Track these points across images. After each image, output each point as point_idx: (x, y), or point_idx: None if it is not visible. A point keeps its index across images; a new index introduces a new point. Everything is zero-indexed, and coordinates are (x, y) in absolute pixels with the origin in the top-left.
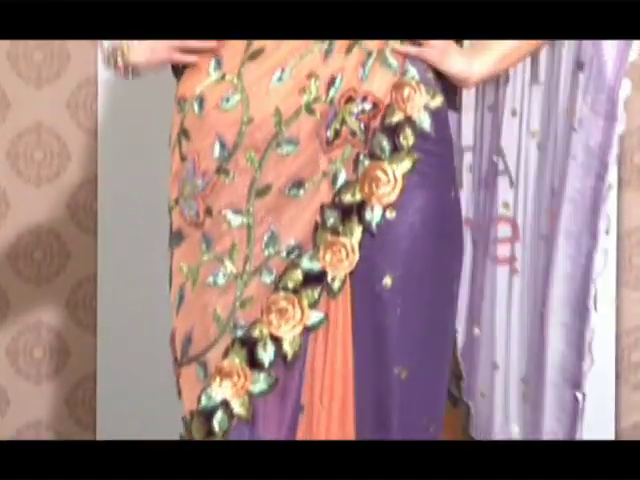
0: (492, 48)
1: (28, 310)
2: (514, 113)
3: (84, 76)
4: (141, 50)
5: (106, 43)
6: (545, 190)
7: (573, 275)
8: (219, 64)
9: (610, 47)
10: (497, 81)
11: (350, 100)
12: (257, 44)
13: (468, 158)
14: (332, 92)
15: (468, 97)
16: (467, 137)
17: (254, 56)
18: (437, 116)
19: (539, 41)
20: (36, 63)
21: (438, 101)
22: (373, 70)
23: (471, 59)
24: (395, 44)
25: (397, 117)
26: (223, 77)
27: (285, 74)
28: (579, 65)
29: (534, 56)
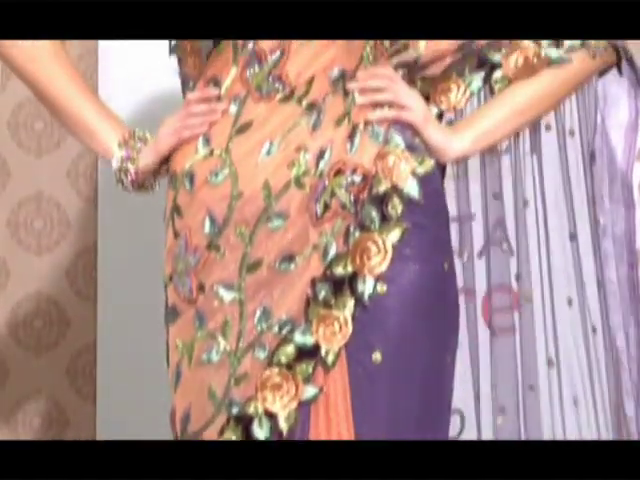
0: (472, 126)
1: (28, 379)
2: (525, 204)
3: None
4: (147, 150)
5: (114, 163)
6: (576, 282)
7: (627, 367)
8: (207, 140)
9: (617, 134)
10: (499, 170)
11: (339, 173)
12: (244, 118)
13: (477, 227)
14: (321, 165)
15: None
16: (474, 205)
17: (242, 130)
18: (426, 181)
19: (522, 120)
20: (36, 132)
21: (427, 166)
22: (362, 142)
23: (450, 135)
24: (379, 113)
25: (383, 186)
26: (211, 152)
27: (273, 147)
28: (591, 156)
29: (538, 150)
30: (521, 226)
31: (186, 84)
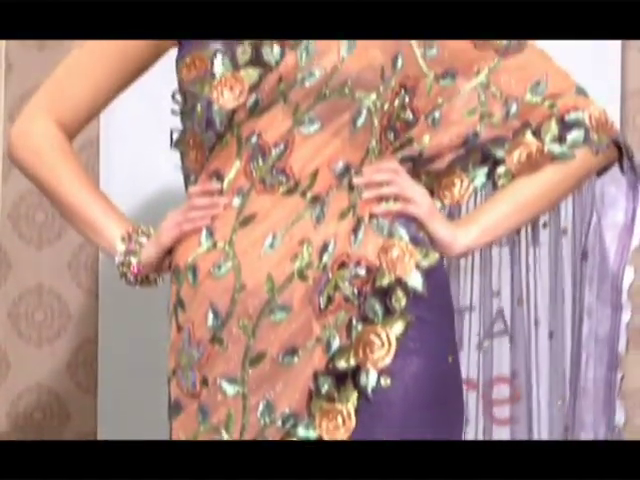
0: (476, 221)
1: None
2: (520, 302)
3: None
4: (149, 243)
5: (117, 257)
6: (558, 380)
7: None
8: (211, 233)
9: (612, 235)
10: (499, 267)
11: (343, 265)
12: (248, 211)
13: (470, 318)
14: (325, 258)
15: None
16: (470, 297)
17: (245, 223)
18: (431, 275)
19: (526, 215)
20: (37, 224)
21: (432, 259)
22: (366, 235)
23: (455, 229)
24: (384, 206)
25: (387, 279)
26: (215, 245)
27: (276, 240)
28: (583, 255)
29: (535, 246)
30: (518, 321)
31: (188, 178)
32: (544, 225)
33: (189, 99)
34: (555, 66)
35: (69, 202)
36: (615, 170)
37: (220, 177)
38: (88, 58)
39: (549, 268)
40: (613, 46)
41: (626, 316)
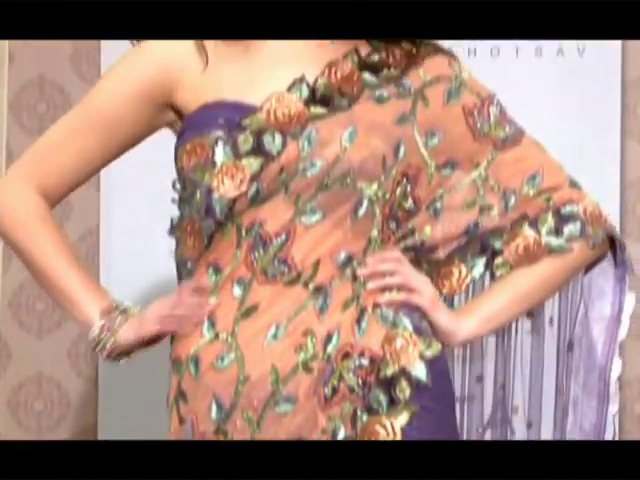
0: (477, 311)
1: None
2: (503, 386)
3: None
4: (130, 327)
5: (92, 331)
6: None
7: None
8: (212, 324)
9: (599, 327)
10: (483, 353)
11: (347, 356)
12: (250, 301)
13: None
14: (329, 349)
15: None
16: (466, 387)
17: (247, 314)
18: (434, 365)
19: (525, 305)
20: (37, 313)
21: (435, 350)
22: (370, 325)
23: (457, 319)
24: (388, 296)
25: (391, 370)
26: (217, 336)
27: (280, 331)
28: (569, 346)
29: (519, 334)
30: (499, 410)
31: (184, 265)
32: (529, 314)
33: (188, 186)
34: (549, 158)
35: (45, 271)
36: (603, 262)
37: (218, 268)
38: (72, 125)
39: (531, 357)
40: (613, 136)
41: (613, 408)
